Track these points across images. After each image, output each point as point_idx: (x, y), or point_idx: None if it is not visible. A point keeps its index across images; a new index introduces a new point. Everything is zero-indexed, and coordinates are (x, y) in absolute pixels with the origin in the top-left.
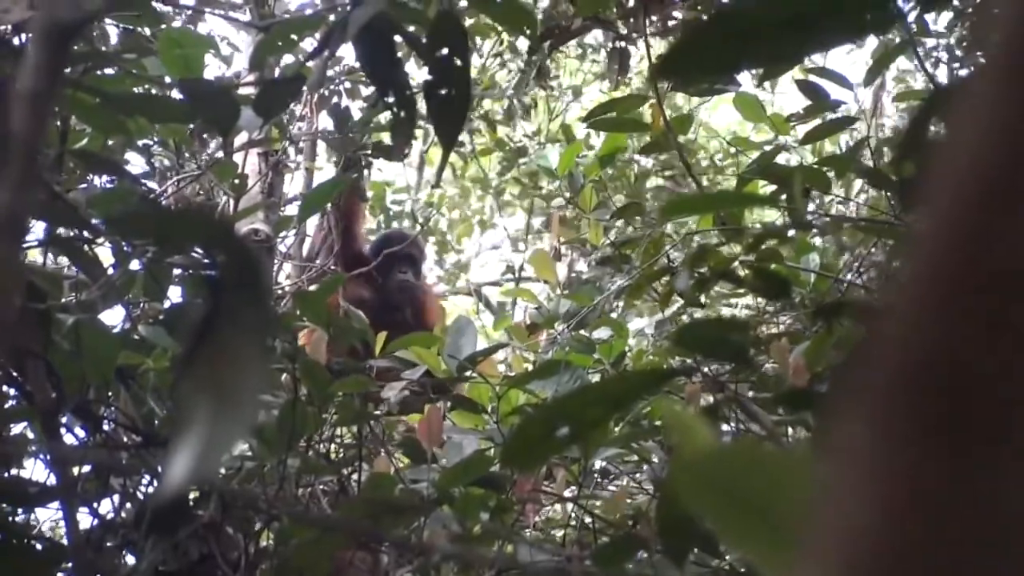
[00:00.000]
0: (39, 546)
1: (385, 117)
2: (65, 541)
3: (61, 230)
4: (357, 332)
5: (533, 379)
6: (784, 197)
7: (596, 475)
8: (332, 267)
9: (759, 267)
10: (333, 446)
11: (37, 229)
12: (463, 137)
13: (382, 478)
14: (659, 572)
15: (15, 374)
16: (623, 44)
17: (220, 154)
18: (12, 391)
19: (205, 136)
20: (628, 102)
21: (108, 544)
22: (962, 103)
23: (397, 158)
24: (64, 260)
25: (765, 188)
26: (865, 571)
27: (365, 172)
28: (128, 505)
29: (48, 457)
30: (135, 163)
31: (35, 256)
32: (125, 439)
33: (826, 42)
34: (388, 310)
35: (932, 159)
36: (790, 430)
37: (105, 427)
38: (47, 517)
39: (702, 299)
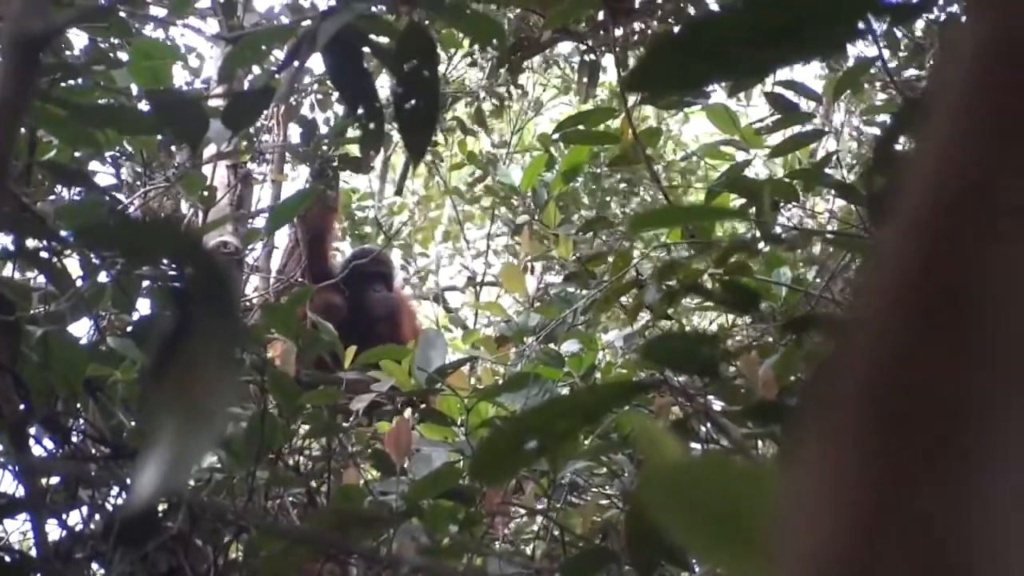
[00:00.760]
0: (7, 558)
1: (352, 129)
2: (33, 552)
3: (29, 242)
4: (326, 344)
5: (503, 392)
6: (753, 210)
7: (566, 488)
8: (300, 279)
9: (728, 280)
10: (302, 458)
11: (5, 240)
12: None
13: (351, 490)
14: None
15: None
16: (592, 57)
17: (189, 166)
18: None
19: (174, 148)
20: (598, 115)
21: (77, 556)
22: (923, 121)
23: (365, 170)
24: (32, 272)
25: (735, 201)
26: None
27: (334, 184)
28: (97, 517)
29: (16, 468)
30: (104, 174)
31: (3, 268)
32: (94, 451)
33: (797, 56)
34: (363, 323)
35: (899, 173)
36: (760, 443)
37: (74, 439)
38: (15, 528)
39: (671, 312)
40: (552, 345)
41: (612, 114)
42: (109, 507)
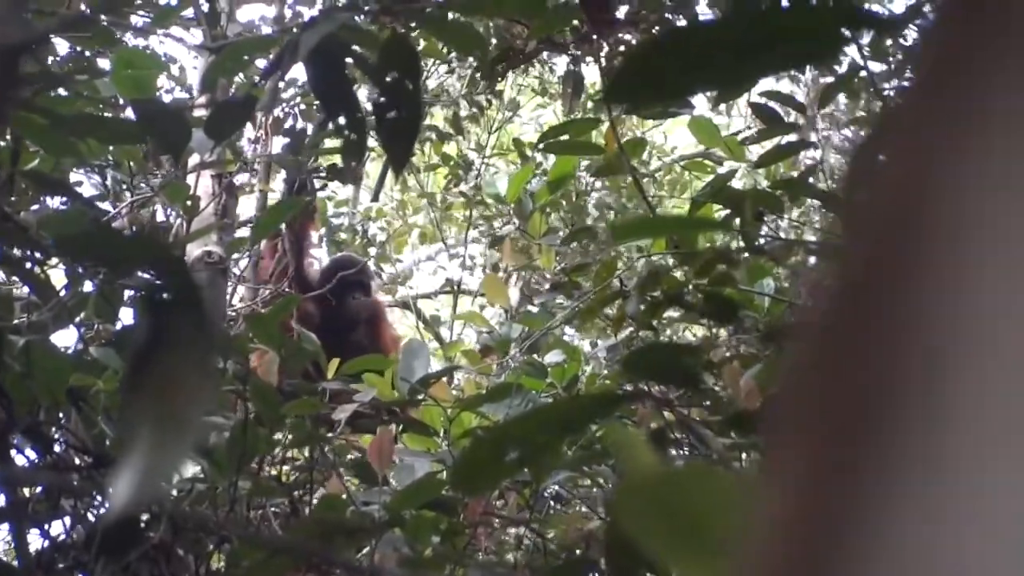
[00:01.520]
0: None
1: (331, 139)
2: (15, 563)
3: (12, 251)
4: (309, 354)
5: (485, 402)
6: (737, 221)
7: (549, 499)
8: (287, 289)
9: (710, 291)
10: (284, 468)
11: None
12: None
13: (333, 500)
14: None
15: None
16: (576, 67)
17: (173, 175)
18: None
19: (160, 157)
20: (582, 125)
21: (59, 566)
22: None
23: (349, 180)
24: (15, 281)
25: (719, 212)
26: None
27: (316, 194)
28: (79, 527)
29: None
30: (87, 184)
31: None
32: (76, 460)
33: (778, 66)
34: (341, 331)
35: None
36: (743, 454)
37: (56, 448)
38: None
39: (654, 323)
40: (535, 356)
41: (597, 124)
42: (91, 517)
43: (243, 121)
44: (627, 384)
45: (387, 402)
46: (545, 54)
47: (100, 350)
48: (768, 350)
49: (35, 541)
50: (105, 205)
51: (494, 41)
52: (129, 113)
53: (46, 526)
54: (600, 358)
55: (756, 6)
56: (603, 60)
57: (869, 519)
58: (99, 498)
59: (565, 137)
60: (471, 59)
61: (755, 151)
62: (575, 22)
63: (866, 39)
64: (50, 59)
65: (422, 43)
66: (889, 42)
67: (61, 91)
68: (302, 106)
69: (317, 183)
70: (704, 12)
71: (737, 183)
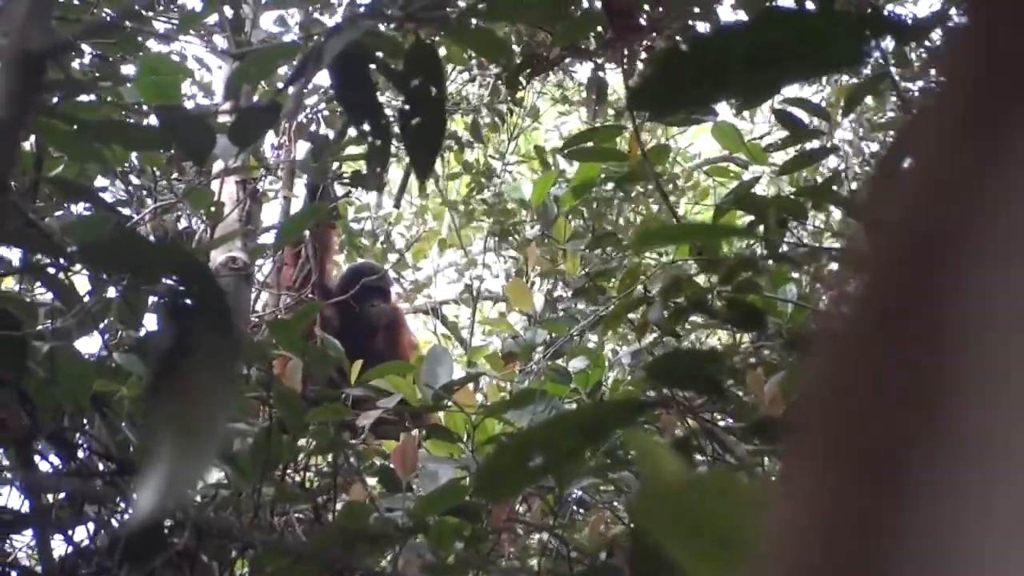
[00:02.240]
0: (13, 574)
1: (354, 145)
2: (39, 568)
3: (36, 257)
4: (332, 360)
5: (509, 408)
6: (761, 228)
7: (573, 505)
8: (310, 296)
9: (733, 298)
10: (308, 474)
11: (12, 256)
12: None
13: (357, 507)
14: None
15: None
16: (601, 74)
17: (197, 182)
18: None
19: (184, 164)
20: (606, 132)
21: (82, 572)
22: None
23: (373, 187)
24: (39, 287)
25: (742, 219)
26: None
27: (335, 199)
28: (102, 533)
29: (22, 484)
30: (111, 190)
31: (10, 283)
32: (100, 467)
33: (803, 74)
34: (360, 337)
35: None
36: (766, 460)
37: (80, 455)
38: (21, 544)
39: (678, 330)
40: (560, 361)
41: (620, 132)
42: (115, 523)
43: (267, 127)
44: (651, 390)
45: (412, 407)
46: (567, 61)
47: (124, 356)
48: (791, 357)
49: (59, 547)
50: (129, 211)
51: (517, 49)
52: (153, 119)
53: (70, 532)
54: (624, 364)
55: (780, 11)
56: (626, 66)
57: (892, 529)
58: (123, 504)
59: (589, 144)
60: (492, 67)
61: (778, 157)
62: (599, 28)
63: (891, 44)
64: (75, 64)
65: (443, 50)
66: (915, 45)
67: (85, 97)
68: (325, 112)
69: (340, 189)
70: (727, 17)
71: (760, 190)
